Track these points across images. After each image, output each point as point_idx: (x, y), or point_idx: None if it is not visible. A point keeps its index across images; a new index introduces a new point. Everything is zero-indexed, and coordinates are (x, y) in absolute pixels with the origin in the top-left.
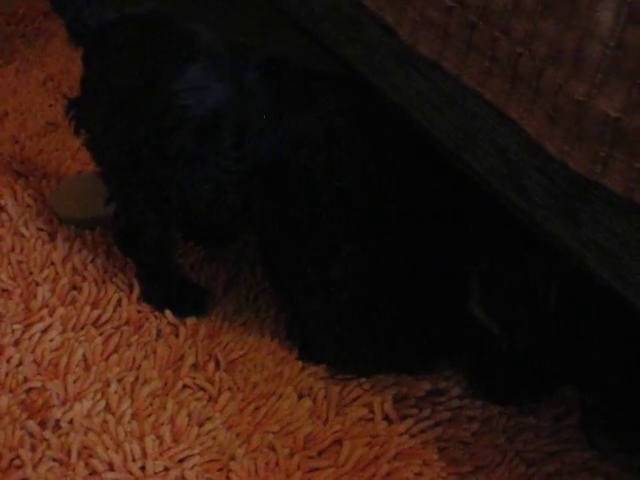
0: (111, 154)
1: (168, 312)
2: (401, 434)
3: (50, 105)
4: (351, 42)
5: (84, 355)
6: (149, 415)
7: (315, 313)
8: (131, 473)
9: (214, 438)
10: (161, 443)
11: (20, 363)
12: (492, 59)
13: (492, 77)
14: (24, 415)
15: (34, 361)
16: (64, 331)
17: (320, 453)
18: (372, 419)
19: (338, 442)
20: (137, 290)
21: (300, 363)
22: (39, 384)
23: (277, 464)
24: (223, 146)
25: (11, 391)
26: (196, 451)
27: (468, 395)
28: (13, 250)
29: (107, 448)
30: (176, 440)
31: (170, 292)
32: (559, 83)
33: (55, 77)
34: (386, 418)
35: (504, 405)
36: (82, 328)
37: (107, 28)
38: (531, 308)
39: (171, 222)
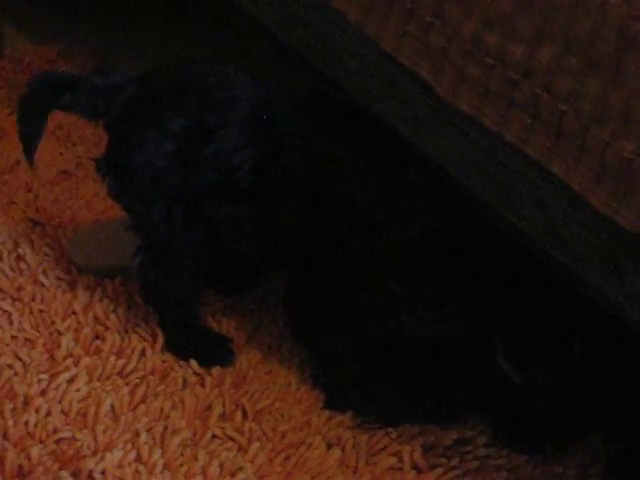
0: (150, 205)
1: (193, 362)
2: None
3: (61, 154)
4: (387, 98)
5: (112, 405)
6: (181, 465)
7: (341, 362)
8: None
9: None
10: None
11: (49, 413)
12: (534, 116)
13: (534, 134)
14: (55, 466)
15: (62, 411)
16: (90, 381)
17: None
18: (401, 468)
19: None
20: (161, 340)
21: (327, 412)
22: (69, 434)
23: None
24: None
25: (41, 442)
26: None
27: (494, 444)
28: (34, 299)
29: None
30: None
31: (195, 342)
32: (606, 140)
33: (64, 126)
34: (415, 467)
35: (530, 455)
36: (108, 378)
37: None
38: (555, 359)
39: (200, 270)
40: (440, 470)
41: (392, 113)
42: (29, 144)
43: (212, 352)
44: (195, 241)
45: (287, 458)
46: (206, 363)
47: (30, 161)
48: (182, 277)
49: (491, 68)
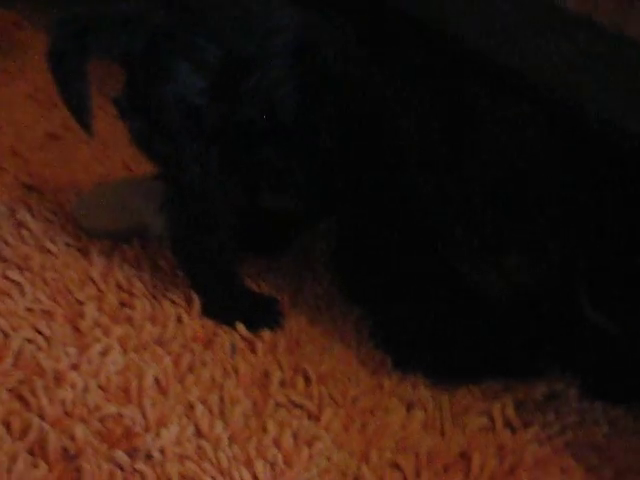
0: (182, 147)
1: (240, 326)
2: (529, 442)
3: (42, 116)
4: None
5: (155, 377)
6: (249, 438)
7: (410, 319)
8: None
9: (328, 458)
10: (272, 467)
11: (86, 389)
12: None
13: None
14: (105, 446)
15: (100, 386)
16: (125, 352)
17: (446, 468)
18: (493, 428)
19: (463, 455)
20: (197, 304)
21: (397, 373)
22: (114, 411)
23: None
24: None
25: (82, 420)
26: (314, 473)
27: (586, 397)
28: (44, 268)
29: (213, 477)
30: (288, 463)
31: (238, 304)
32: None
33: (43, 89)
34: (508, 426)
35: (626, 405)
36: (145, 348)
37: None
38: None
39: (233, 223)
40: (536, 427)
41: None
42: (80, 110)
43: (259, 315)
44: (231, 189)
45: (364, 424)
46: (254, 327)
47: (88, 130)
48: (217, 231)
49: None
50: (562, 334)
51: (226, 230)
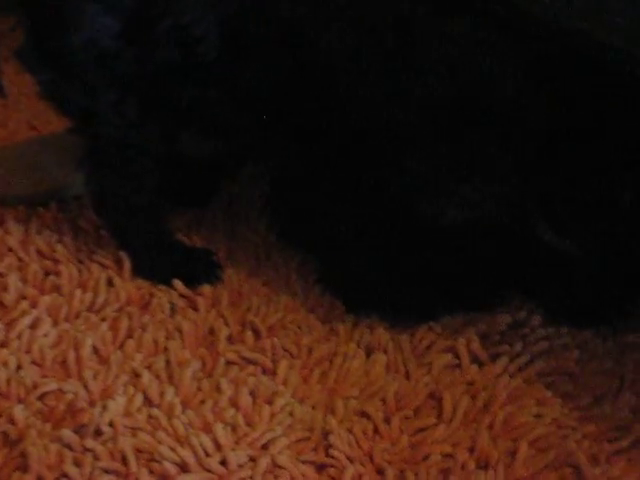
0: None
1: (178, 283)
2: (499, 375)
3: None
4: None
5: (93, 346)
6: (202, 402)
7: (360, 259)
8: (211, 471)
9: (291, 414)
10: (234, 430)
11: (19, 366)
12: None
13: None
14: (48, 426)
15: (34, 362)
16: (57, 323)
17: (417, 411)
18: (459, 365)
19: (432, 396)
20: (127, 265)
21: (350, 316)
22: (54, 387)
23: (376, 431)
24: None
25: (20, 400)
26: (279, 432)
27: (550, 323)
28: None
29: (171, 448)
30: (249, 424)
31: (172, 260)
32: None
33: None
34: (475, 361)
35: (593, 327)
36: (77, 316)
37: None
38: (605, 214)
39: (157, 175)
40: (505, 359)
41: None
42: None
43: (196, 269)
44: (154, 136)
45: (324, 374)
46: (193, 283)
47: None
48: (142, 182)
49: None
50: (520, 260)
51: (150, 183)
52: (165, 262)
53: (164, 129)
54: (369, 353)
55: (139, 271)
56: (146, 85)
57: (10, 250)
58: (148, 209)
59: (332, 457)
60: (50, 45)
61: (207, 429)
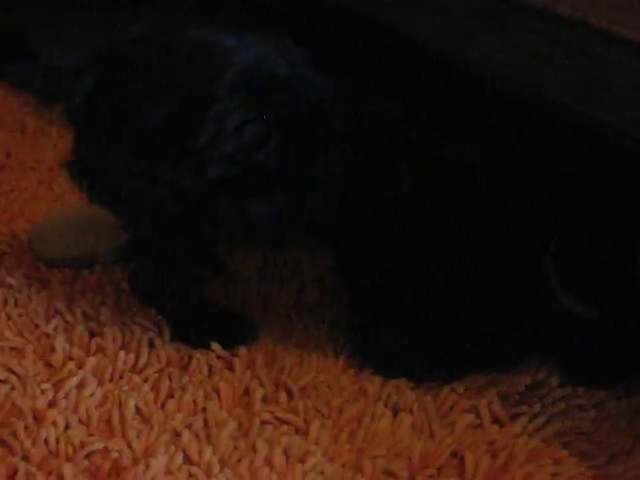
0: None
1: (215, 346)
2: (518, 435)
3: None
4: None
5: (136, 406)
6: (239, 460)
7: (390, 320)
8: None
9: (322, 473)
10: None
11: (67, 426)
12: None
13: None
14: None
15: (81, 421)
16: (102, 383)
17: (440, 470)
18: (481, 425)
19: (454, 455)
20: (167, 328)
21: (379, 377)
22: (100, 446)
23: None
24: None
25: (69, 459)
26: None
27: (568, 384)
28: (6, 304)
29: None
30: None
31: (210, 324)
32: None
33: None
34: (496, 421)
35: (608, 388)
36: (121, 377)
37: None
38: (616, 278)
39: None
40: (524, 419)
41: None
42: None
43: (231, 331)
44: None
45: (353, 433)
46: (229, 344)
47: None
48: (182, 267)
49: None
50: (538, 321)
51: (190, 266)
52: (201, 326)
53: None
54: (396, 413)
55: (177, 336)
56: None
57: (57, 312)
58: (184, 288)
59: None
60: (92, 163)
61: None
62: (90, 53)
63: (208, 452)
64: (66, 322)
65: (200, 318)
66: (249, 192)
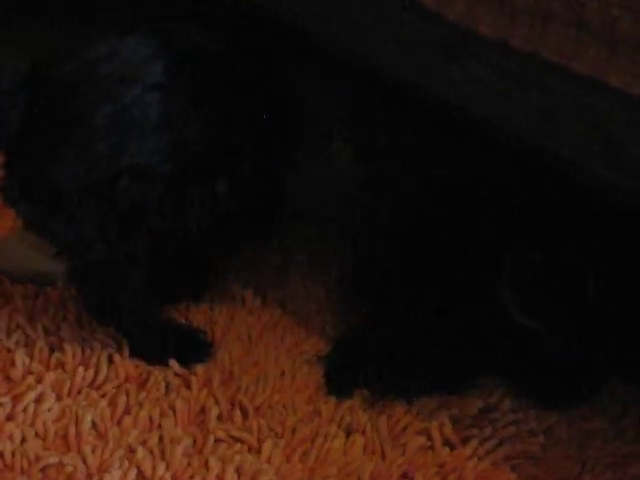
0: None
1: (173, 363)
2: (469, 458)
3: None
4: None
5: (93, 421)
6: (191, 477)
7: (347, 340)
8: None
9: None
10: None
11: (24, 439)
12: (580, 26)
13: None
14: None
15: (38, 435)
16: (60, 398)
17: None
18: (432, 447)
19: (405, 476)
20: (126, 344)
21: (333, 399)
22: (54, 460)
23: None
24: None
25: (24, 472)
26: None
27: (520, 408)
28: None
29: None
30: None
31: (168, 341)
32: None
33: None
34: (447, 443)
35: (561, 409)
36: (79, 392)
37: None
38: (571, 299)
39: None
40: (475, 443)
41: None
42: None
43: (190, 348)
44: (139, 251)
45: (305, 453)
46: (186, 362)
47: None
48: (130, 288)
49: None
50: (492, 341)
51: (138, 282)
52: (157, 342)
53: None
54: (349, 434)
55: (136, 351)
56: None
57: (18, 326)
58: (137, 306)
59: None
60: (33, 179)
61: None
62: (18, 77)
63: (161, 468)
64: (27, 336)
65: (156, 334)
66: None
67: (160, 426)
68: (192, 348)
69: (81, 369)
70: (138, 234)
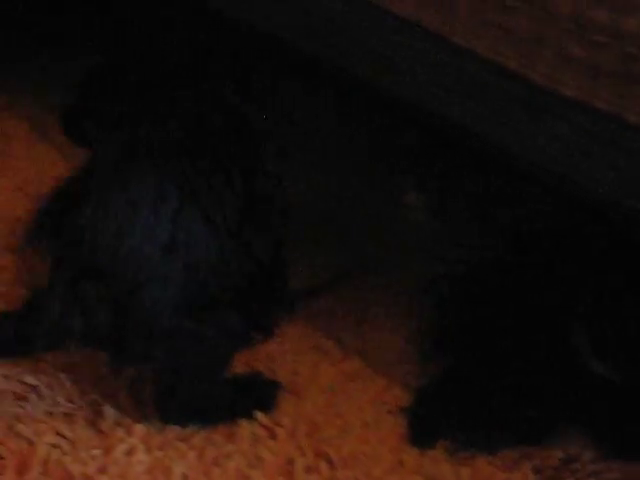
0: None
1: (260, 414)
2: None
3: (33, 210)
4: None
5: (183, 473)
6: None
7: (429, 391)
8: None
9: None
10: None
11: None
12: None
13: None
14: None
15: None
16: (149, 450)
17: None
18: None
19: None
20: None
21: (415, 449)
22: None
23: None
24: None
25: None
26: None
27: (601, 458)
28: (63, 370)
29: None
30: None
31: (253, 394)
32: None
33: (32, 181)
34: None
35: None
36: (168, 444)
37: None
38: None
39: None
40: None
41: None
42: None
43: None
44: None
45: None
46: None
47: None
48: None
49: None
50: (572, 392)
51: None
52: (245, 396)
53: None
54: None
55: None
56: None
57: (104, 378)
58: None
59: None
60: None
61: None
62: None
63: None
64: (115, 389)
65: (243, 387)
66: None
67: (248, 477)
68: (265, 395)
69: None
70: None
